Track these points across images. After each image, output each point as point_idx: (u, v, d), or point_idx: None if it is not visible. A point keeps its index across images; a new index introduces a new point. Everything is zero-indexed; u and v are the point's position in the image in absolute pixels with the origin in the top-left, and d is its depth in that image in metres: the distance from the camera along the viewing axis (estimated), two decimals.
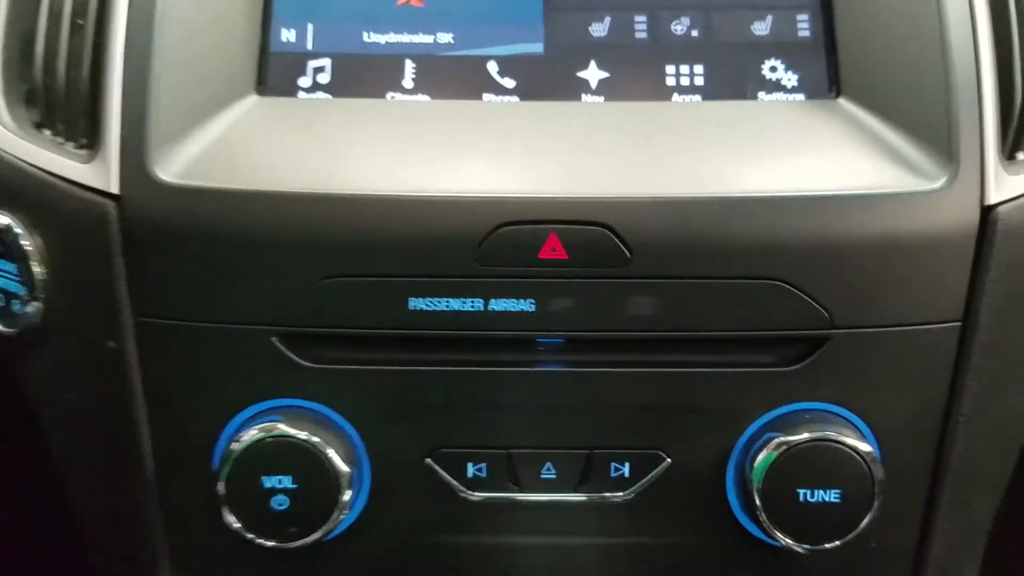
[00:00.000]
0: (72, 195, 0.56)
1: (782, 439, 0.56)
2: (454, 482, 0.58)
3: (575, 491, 0.59)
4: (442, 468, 0.58)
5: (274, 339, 0.56)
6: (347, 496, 0.56)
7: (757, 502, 0.56)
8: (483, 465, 0.59)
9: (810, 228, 0.56)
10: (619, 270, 0.55)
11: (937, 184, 0.56)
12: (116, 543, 0.62)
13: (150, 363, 0.57)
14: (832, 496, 0.57)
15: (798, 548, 0.57)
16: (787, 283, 0.56)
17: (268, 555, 0.58)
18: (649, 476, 0.59)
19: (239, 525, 0.55)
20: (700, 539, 0.60)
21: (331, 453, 0.55)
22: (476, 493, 0.59)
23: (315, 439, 0.55)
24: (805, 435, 0.56)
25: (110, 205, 0.55)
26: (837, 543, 0.57)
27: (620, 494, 0.59)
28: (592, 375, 0.57)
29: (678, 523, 0.60)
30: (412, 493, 0.59)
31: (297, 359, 0.56)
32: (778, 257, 0.55)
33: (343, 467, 0.55)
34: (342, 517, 0.56)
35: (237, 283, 0.55)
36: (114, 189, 0.55)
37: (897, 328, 0.57)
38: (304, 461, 0.55)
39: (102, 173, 0.55)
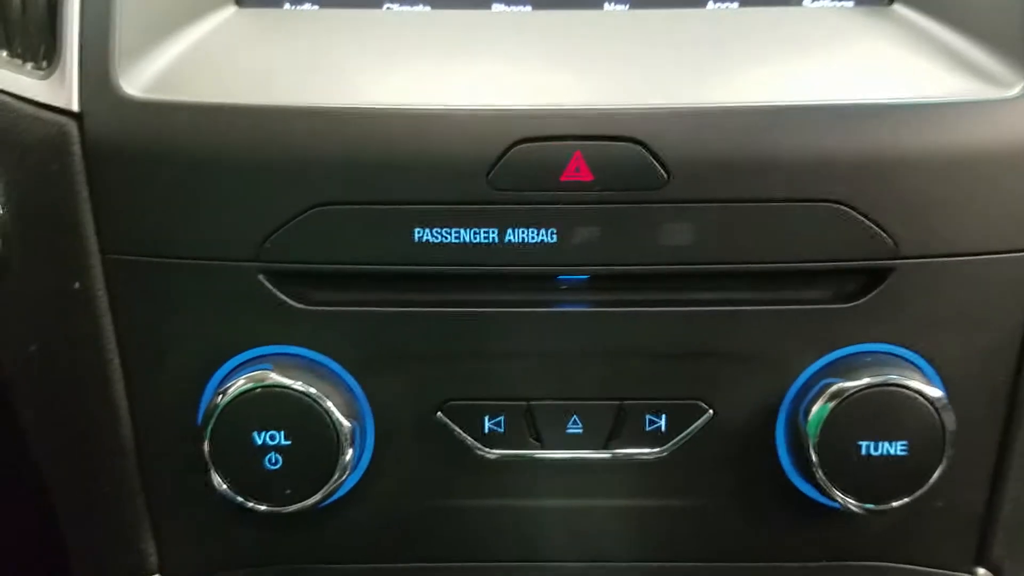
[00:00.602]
0: (28, 115, 0.49)
1: (840, 385, 0.50)
2: (468, 438, 0.52)
3: (604, 448, 0.52)
4: (454, 423, 0.52)
5: (261, 277, 0.49)
6: (348, 455, 0.49)
7: (812, 457, 0.50)
8: (500, 419, 0.52)
9: (872, 141, 0.49)
10: (653, 193, 0.49)
11: (1013, 92, 0.50)
12: (91, 512, 0.55)
13: (122, 307, 0.50)
14: (898, 449, 0.50)
15: (858, 508, 0.50)
16: (846, 205, 0.49)
17: (261, 521, 0.51)
18: (688, 430, 0.52)
19: (227, 487, 0.49)
20: (745, 501, 0.54)
21: (329, 406, 0.49)
22: (493, 450, 0.52)
23: (311, 390, 0.48)
24: (866, 380, 0.50)
25: (71, 124, 0.49)
26: (903, 501, 0.50)
27: (655, 451, 0.53)
28: (622, 316, 0.51)
29: (720, 483, 0.53)
30: (421, 451, 0.52)
31: (288, 300, 0.49)
32: (835, 175, 0.49)
33: (344, 421, 0.49)
34: (343, 479, 0.50)
35: (216, 212, 0.48)
36: (74, 106, 0.49)
37: (970, 257, 0.51)
38: (299, 415, 0.48)
39: (60, 89, 0.49)
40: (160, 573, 0.55)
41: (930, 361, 0.52)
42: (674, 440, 0.52)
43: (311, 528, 0.53)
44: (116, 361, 0.51)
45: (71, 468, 0.55)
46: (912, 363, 0.52)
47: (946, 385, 0.51)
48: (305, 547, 0.54)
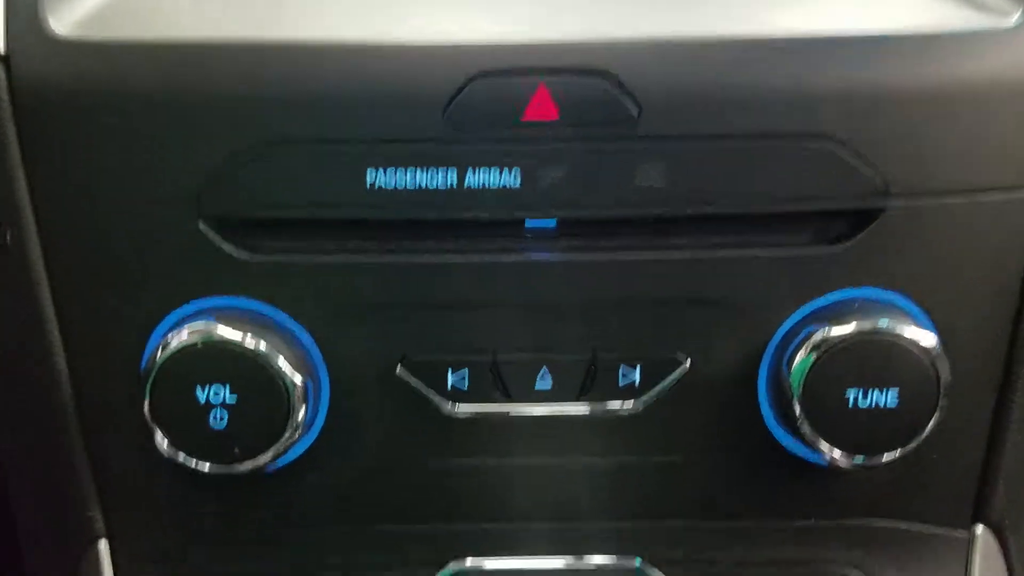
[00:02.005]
0: None
1: (826, 333, 0.47)
2: (432, 394, 0.49)
3: (575, 402, 0.49)
4: (416, 378, 0.49)
5: (202, 224, 0.46)
6: (301, 413, 0.46)
7: (796, 409, 0.47)
8: (464, 373, 0.49)
9: (859, 74, 0.46)
10: (624, 130, 0.45)
11: (1010, 21, 0.47)
12: (35, 478, 0.53)
13: (57, 260, 0.47)
14: (888, 399, 0.47)
15: (846, 463, 0.47)
16: (832, 141, 0.45)
17: (215, 484, 0.49)
18: (663, 383, 0.49)
19: (169, 445, 0.46)
20: (726, 457, 0.51)
21: (277, 360, 0.46)
22: (458, 407, 0.49)
23: (257, 343, 0.45)
24: (854, 327, 0.47)
25: None
26: (895, 455, 0.47)
27: (629, 405, 0.50)
28: (592, 264, 0.48)
29: (699, 439, 0.50)
30: (382, 409, 0.49)
31: (231, 249, 0.46)
32: (821, 109, 0.45)
33: (293, 377, 0.46)
34: (296, 437, 0.47)
35: (152, 156, 0.45)
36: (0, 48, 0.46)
37: (964, 196, 0.47)
38: (245, 370, 0.45)
39: None
40: (107, 539, 0.52)
41: (923, 307, 0.48)
42: (649, 394, 0.49)
43: (267, 490, 0.50)
44: (52, 318, 0.48)
45: (12, 433, 0.52)
46: (904, 309, 0.48)
47: (940, 332, 0.48)
48: (262, 510, 0.51)
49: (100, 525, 0.52)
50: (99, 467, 0.50)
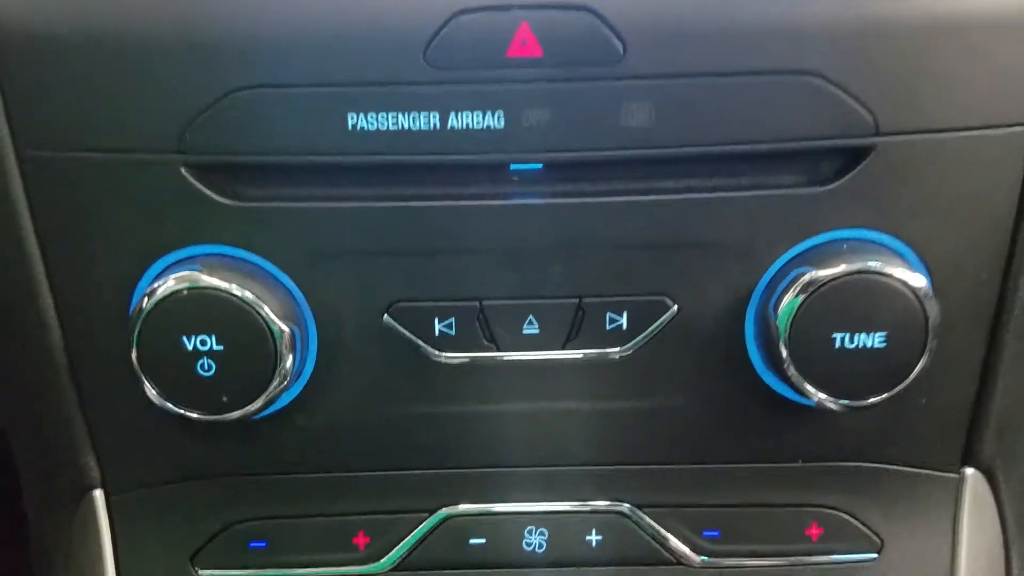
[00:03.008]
0: None
1: (814, 274, 0.46)
2: (419, 342, 0.49)
3: (563, 348, 0.49)
4: (403, 326, 0.49)
5: (184, 171, 0.45)
6: (289, 361, 0.46)
7: (783, 352, 0.47)
8: (451, 321, 0.49)
9: (848, 6, 0.44)
10: (609, 68, 0.44)
11: None
12: (30, 426, 0.53)
13: (42, 210, 0.47)
14: (876, 341, 0.47)
15: (834, 405, 0.47)
16: (820, 77, 0.45)
17: (206, 432, 0.49)
18: (652, 327, 0.49)
19: (158, 395, 0.46)
20: (713, 401, 0.51)
21: (263, 308, 0.45)
22: (445, 354, 0.49)
23: (243, 291, 0.45)
24: (841, 268, 0.46)
25: None
26: (882, 397, 0.47)
27: (617, 350, 0.49)
28: (579, 207, 0.47)
29: (688, 383, 0.50)
30: (369, 357, 0.49)
31: (213, 195, 0.46)
32: (809, 45, 0.44)
33: (280, 325, 0.46)
34: (285, 385, 0.47)
35: (132, 100, 0.44)
36: None
37: (956, 133, 0.46)
38: (230, 318, 0.45)
39: None
40: (102, 488, 0.52)
41: (913, 247, 0.48)
42: (636, 339, 0.49)
43: (259, 438, 0.51)
44: (39, 268, 0.48)
45: (4, 384, 0.52)
46: (893, 250, 0.48)
47: (930, 272, 0.48)
48: (253, 458, 0.51)
49: (95, 474, 0.52)
50: (91, 416, 0.50)
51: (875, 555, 0.53)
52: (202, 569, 0.53)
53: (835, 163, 0.47)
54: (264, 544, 0.52)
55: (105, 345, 0.48)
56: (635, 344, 0.49)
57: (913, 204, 0.48)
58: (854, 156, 0.46)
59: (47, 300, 0.48)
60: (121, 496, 0.52)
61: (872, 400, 0.47)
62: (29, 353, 0.50)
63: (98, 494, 0.52)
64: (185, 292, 0.45)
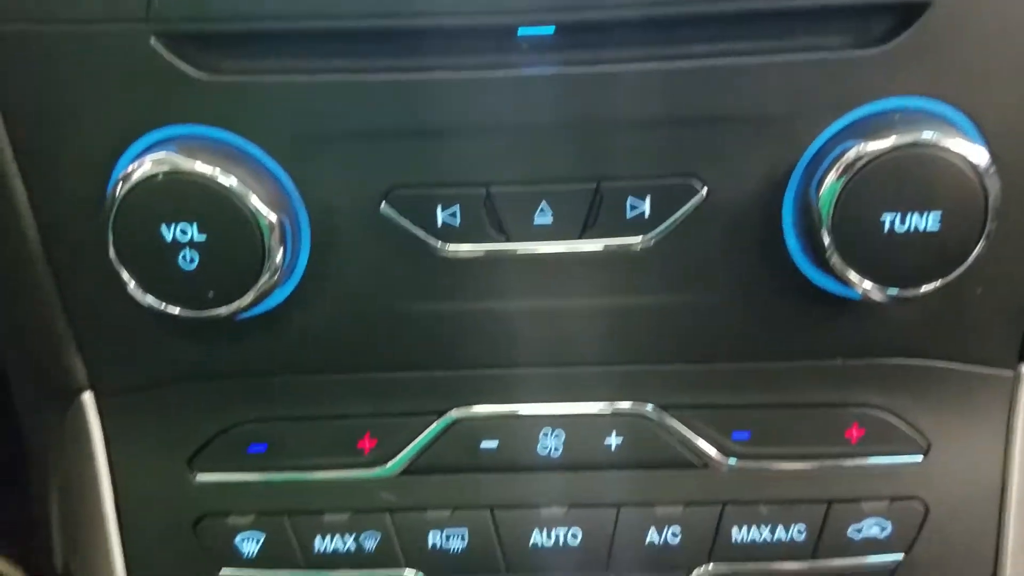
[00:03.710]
0: None
1: (861, 148, 0.41)
2: (420, 232, 0.45)
3: (579, 238, 0.45)
4: (402, 215, 0.44)
5: (153, 41, 0.41)
6: (279, 254, 0.43)
7: (825, 238, 0.42)
8: (455, 208, 0.44)
9: None
10: None
11: None
12: (14, 327, 0.50)
13: (9, 91, 0.43)
14: (930, 222, 0.42)
15: (881, 296, 0.43)
16: None
17: (196, 331, 0.46)
18: (678, 213, 0.44)
19: (137, 286, 0.43)
20: (745, 294, 0.46)
21: (245, 194, 0.41)
22: (450, 245, 0.45)
23: (227, 178, 0.41)
24: (892, 140, 0.41)
25: None
26: (934, 285, 0.42)
27: (638, 239, 0.45)
28: (596, 77, 0.42)
29: (716, 275, 0.46)
30: (367, 250, 0.45)
31: (187, 69, 0.41)
32: None
33: (266, 213, 0.42)
34: (276, 280, 0.43)
35: None
36: None
37: None
38: (213, 206, 0.41)
39: None
40: (92, 390, 0.50)
41: (972, 117, 0.42)
42: (661, 226, 0.45)
43: (254, 337, 0.47)
44: (8, 153, 0.44)
45: None
46: (950, 120, 0.42)
47: (991, 146, 0.42)
48: (249, 358, 0.48)
49: (82, 376, 0.49)
50: (74, 313, 0.47)
51: (920, 458, 0.49)
52: (200, 473, 0.50)
53: (887, 21, 0.41)
54: (264, 447, 0.50)
55: (82, 236, 0.45)
56: (659, 233, 0.45)
57: (973, 68, 0.42)
58: (908, 13, 0.41)
59: (17, 188, 0.45)
60: (112, 399, 0.50)
61: (923, 289, 0.42)
62: (3, 245, 0.46)
63: (87, 396, 0.50)
64: (161, 177, 0.41)
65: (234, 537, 0.50)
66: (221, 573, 0.50)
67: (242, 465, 0.50)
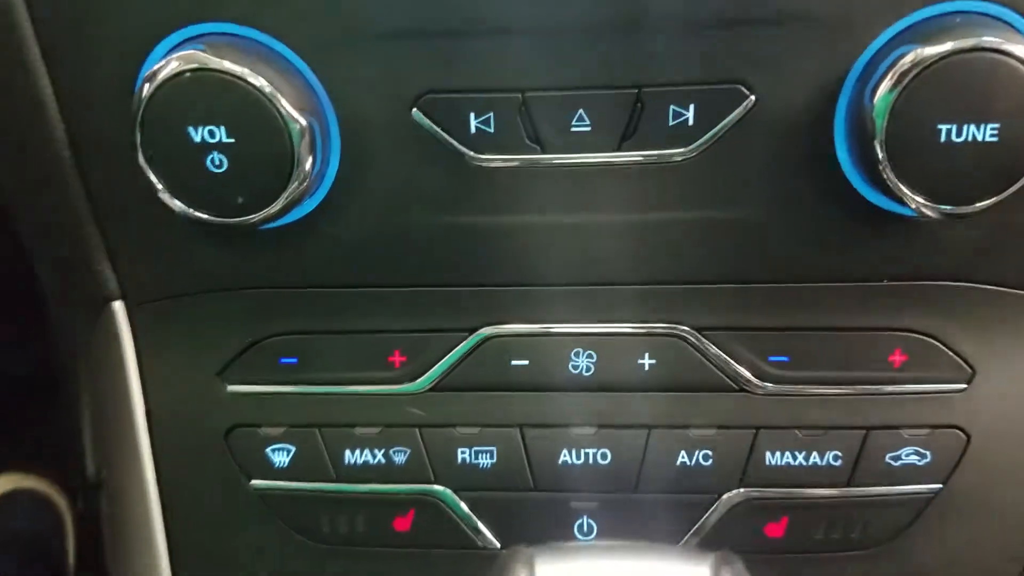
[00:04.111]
0: None
1: (919, 53, 0.39)
2: (452, 141, 0.43)
3: (619, 149, 0.43)
4: (434, 121, 0.43)
5: None
6: (309, 160, 0.42)
7: (878, 150, 0.40)
8: (489, 116, 0.43)
9: None
10: None
11: None
12: (45, 234, 0.50)
13: None
14: (987, 133, 0.40)
15: (934, 212, 0.41)
16: None
17: (223, 240, 0.45)
18: (724, 122, 0.42)
19: (165, 189, 0.42)
20: (792, 210, 0.44)
21: (281, 100, 0.40)
22: (483, 155, 0.44)
23: (253, 75, 0.40)
24: (950, 45, 0.39)
25: None
26: (990, 202, 0.40)
27: (682, 150, 0.43)
28: None
29: (762, 189, 0.44)
30: (399, 158, 0.44)
31: None
32: None
33: (296, 115, 0.40)
34: (305, 187, 0.42)
35: None
36: None
37: None
38: (242, 107, 0.40)
39: None
40: (123, 299, 0.49)
41: None
42: (705, 136, 0.43)
43: (284, 248, 0.46)
44: (36, 52, 0.43)
45: (16, 187, 0.49)
46: (1014, 25, 0.40)
47: None
48: (280, 270, 0.47)
49: (113, 284, 0.49)
50: (103, 217, 0.47)
51: (964, 385, 0.48)
52: (230, 384, 0.50)
53: None
54: (295, 360, 0.49)
55: (111, 138, 0.44)
56: (704, 143, 0.43)
57: None
58: None
59: (46, 87, 0.44)
60: (143, 307, 0.50)
61: (979, 205, 0.40)
62: (32, 145, 0.46)
63: (118, 305, 0.50)
64: (188, 75, 0.40)
65: (265, 448, 0.50)
66: (252, 483, 0.50)
67: (273, 377, 0.49)
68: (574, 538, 0.50)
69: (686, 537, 0.49)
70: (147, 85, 0.40)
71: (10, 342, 0.70)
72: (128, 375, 0.50)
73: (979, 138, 0.40)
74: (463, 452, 0.49)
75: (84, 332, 0.51)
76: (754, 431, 0.48)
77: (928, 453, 0.48)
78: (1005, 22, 0.40)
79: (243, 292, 0.48)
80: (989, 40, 0.39)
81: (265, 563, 0.51)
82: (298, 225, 0.45)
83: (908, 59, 0.39)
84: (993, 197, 0.40)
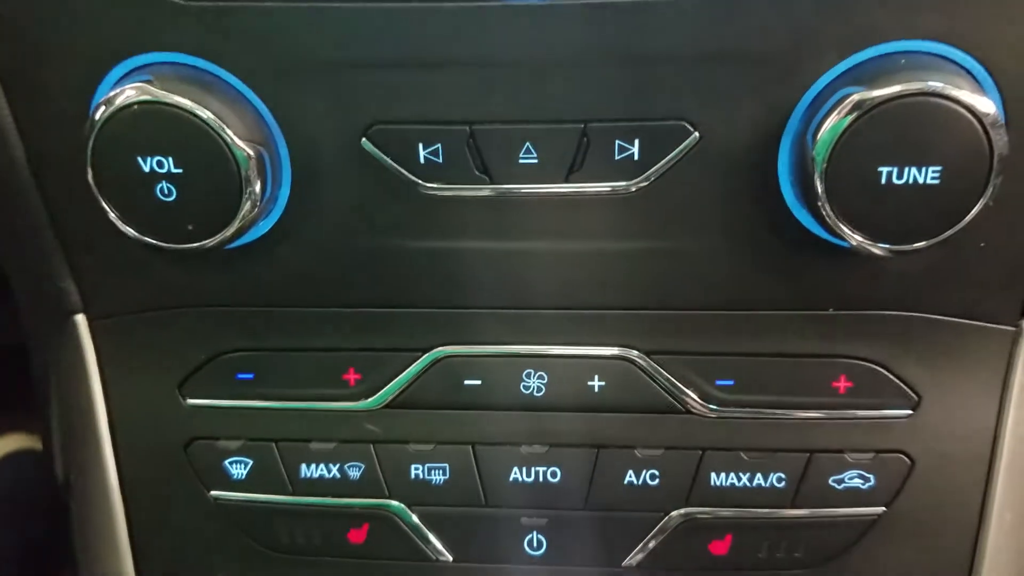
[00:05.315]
0: None
1: (863, 95, 0.39)
2: (401, 170, 0.44)
3: (566, 181, 0.44)
4: (383, 151, 0.43)
5: None
6: (257, 186, 0.42)
7: (819, 186, 0.40)
8: (438, 147, 0.43)
9: None
10: None
11: None
12: (12, 246, 0.50)
13: None
14: (928, 176, 0.40)
15: (873, 249, 0.41)
16: None
17: (180, 261, 0.46)
18: (668, 157, 0.43)
19: (118, 217, 0.43)
20: (737, 241, 0.45)
21: (227, 131, 0.40)
22: (431, 185, 0.44)
23: (202, 110, 0.40)
24: (896, 88, 0.39)
25: None
26: (929, 242, 0.41)
27: (628, 183, 0.44)
28: (583, 8, 0.40)
29: (709, 221, 0.44)
30: (349, 185, 0.44)
31: None
32: None
33: (243, 146, 0.41)
34: (255, 214, 0.43)
35: None
36: None
37: None
38: (188, 138, 0.41)
39: None
40: (84, 312, 0.51)
41: (986, 65, 0.40)
42: (650, 170, 0.43)
43: (240, 269, 0.47)
44: None
45: None
46: (962, 67, 0.40)
47: (1004, 97, 0.40)
48: (236, 289, 0.48)
49: (76, 298, 0.50)
50: (64, 237, 0.48)
51: (909, 412, 0.48)
52: (190, 398, 0.51)
53: None
54: (252, 376, 0.50)
55: (68, 163, 0.44)
56: (648, 177, 0.43)
57: (991, 10, 0.39)
58: None
59: (4, 112, 0.44)
60: (105, 321, 0.51)
61: (918, 245, 0.41)
62: None
63: (80, 318, 0.51)
64: (136, 107, 0.40)
65: (223, 461, 0.51)
66: (211, 494, 0.52)
67: (230, 392, 0.51)
68: (524, 553, 0.51)
69: (633, 553, 0.51)
70: (98, 113, 0.41)
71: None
72: (92, 386, 0.52)
73: (920, 180, 0.40)
74: (416, 468, 0.50)
75: (52, 342, 0.52)
76: (700, 452, 0.49)
77: (872, 477, 0.49)
78: (952, 61, 0.40)
79: (201, 309, 0.49)
80: (935, 84, 0.39)
81: (225, 569, 0.53)
82: (253, 246, 0.46)
83: (853, 99, 0.39)
84: (932, 238, 0.41)
